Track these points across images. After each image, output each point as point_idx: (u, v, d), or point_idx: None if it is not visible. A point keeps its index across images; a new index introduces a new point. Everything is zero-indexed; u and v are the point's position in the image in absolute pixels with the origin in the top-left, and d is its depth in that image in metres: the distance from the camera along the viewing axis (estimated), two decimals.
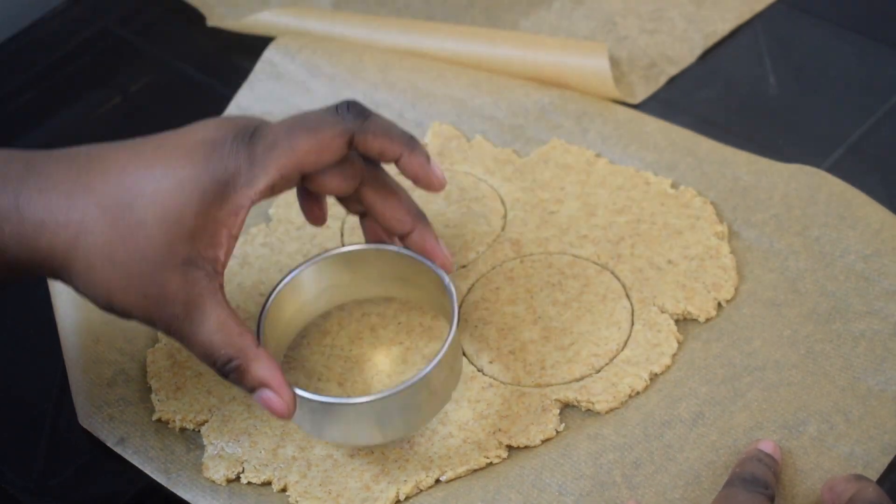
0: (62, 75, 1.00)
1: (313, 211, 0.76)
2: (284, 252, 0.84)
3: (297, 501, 0.72)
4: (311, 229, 0.85)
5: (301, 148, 0.69)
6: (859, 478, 0.68)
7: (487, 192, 0.86)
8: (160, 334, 0.80)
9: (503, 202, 0.85)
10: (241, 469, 0.74)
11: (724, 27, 0.96)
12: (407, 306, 0.80)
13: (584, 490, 0.71)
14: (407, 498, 0.72)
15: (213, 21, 1.00)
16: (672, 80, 0.93)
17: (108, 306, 0.68)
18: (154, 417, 0.77)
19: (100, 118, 0.97)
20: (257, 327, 0.73)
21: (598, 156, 0.87)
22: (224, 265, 0.68)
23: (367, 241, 0.77)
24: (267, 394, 0.68)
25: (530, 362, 0.77)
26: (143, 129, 0.95)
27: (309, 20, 0.97)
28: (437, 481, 0.73)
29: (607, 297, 0.79)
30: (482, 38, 0.93)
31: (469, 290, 0.81)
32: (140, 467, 0.75)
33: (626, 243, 0.82)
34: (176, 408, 0.77)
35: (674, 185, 0.85)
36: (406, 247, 0.75)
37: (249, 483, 0.74)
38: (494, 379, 0.77)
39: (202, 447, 0.76)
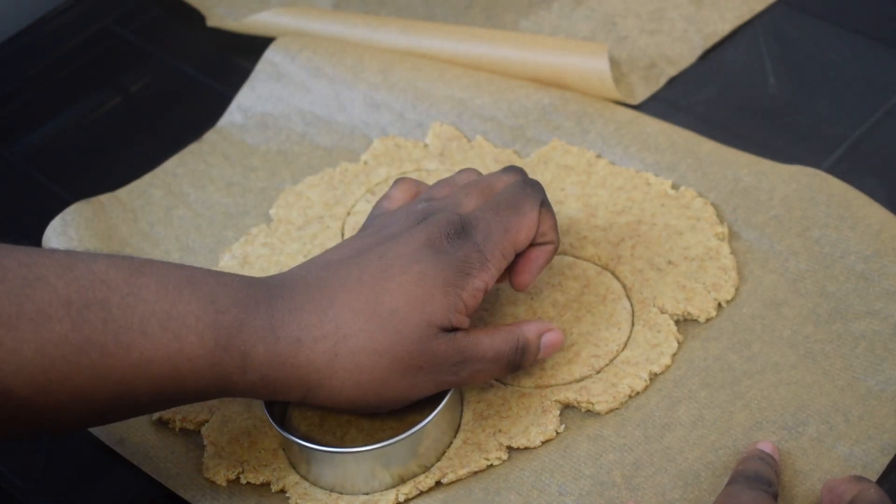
0: (62, 75, 1.00)
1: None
2: (285, 252, 0.84)
3: (296, 502, 0.72)
4: (311, 229, 0.85)
5: (521, 233, 0.73)
6: (860, 479, 0.67)
7: None
8: None
9: None
10: (240, 469, 0.74)
11: (724, 27, 0.96)
12: None
13: (584, 490, 0.71)
14: (407, 499, 0.72)
15: (213, 21, 1.00)
16: (672, 81, 0.93)
17: (378, 401, 0.70)
18: (154, 417, 0.77)
19: (100, 118, 0.97)
20: None
21: (598, 157, 0.87)
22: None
23: None
24: (550, 335, 0.74)
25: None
26: (143, 129, 0.96)
27: (309, 20, 0.97)
28: (438, 483, 0.73)
29: (607, 298, 0.79)
30: (482, 39, 0.93)
31: None
32: (140, 467, 0.75)
33: (626, 244, 0.82)
34: (176, 408, 0.77)
35: (674, 186, 0.85)
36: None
37: (249, 483, 0.74)
38: (494, 379, 0.77)
39: (202, 447, 0.76)
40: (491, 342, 0.72)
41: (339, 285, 0.70)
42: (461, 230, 0.72)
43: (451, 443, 0.74)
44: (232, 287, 0.69)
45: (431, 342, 0.69)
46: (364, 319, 0.69)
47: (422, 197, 0.76)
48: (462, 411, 0.76)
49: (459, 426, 0.75)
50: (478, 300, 0.71)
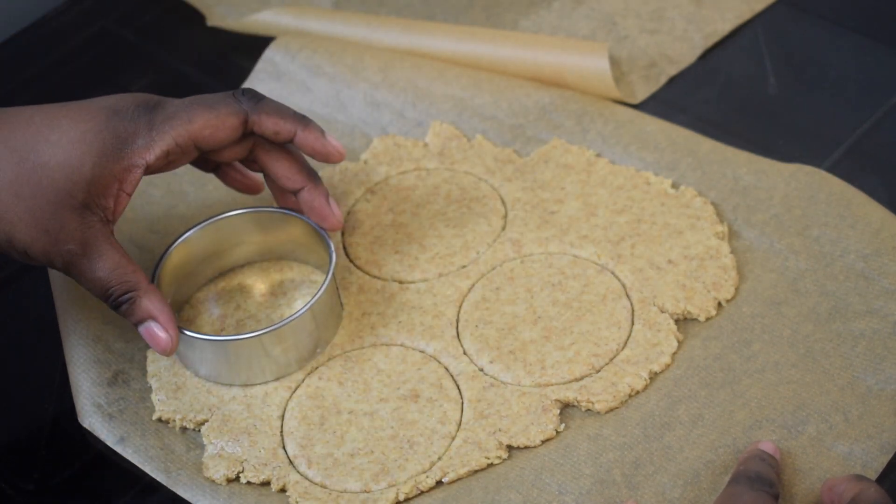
0: (62, 75, 1.00)
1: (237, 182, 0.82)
2: None
3: (296, 501, 0.72)
4: None
5: (197, 122, 0.75)
6: (860, 478, 0.67)
7: (488, 191, 0.86)
8: None
9: (504, 202, 0.85)
10: (240, 468, 0.74)
11: (724, 27, 0.96)
12: (407, 305, 0.80)
13: (584, 489, 0.71)
14: (407, 498, 0.72)
15: (213, 21, 1.00)
16: (672, 80, 0.93)
17: (10, 243, 0.73)
18: (154, 417, 0.77)
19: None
20: (153, 274, 0.78)
21: (598, 156, 0.87)
22: (115, 218, 0.74)
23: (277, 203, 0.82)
24: (153, 327, 0.74)
25: (530, 362, 0.77)
26: None
27: (309, 20, 0.97)
28: (439, 483, 0.73)
29: (607, 297, 0.79)
30: (482, 38, 0.93)
31: (469, 289, 0.81)
32: (140, 466, 0.75)
33: (626, 243, 0.82)
34: (176, 407, 0.77)
35: (674, 185, 0.85)
36: (298, 204, 0.80)
37: (249, 483, 0.74)
38: (495, 379, 0.77)
39: (202, 447, 0.76)
40: (113, 266, 0.73)
41: (9, 120, 0.73)
42: (154, 106, 0.74)
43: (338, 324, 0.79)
44: None
45: (66, 212, 0.72)
46: (15, 161, 0.72)
47: None
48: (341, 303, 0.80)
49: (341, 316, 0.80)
50: (135, 177, 0.73)
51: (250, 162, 0.80)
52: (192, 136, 0.74)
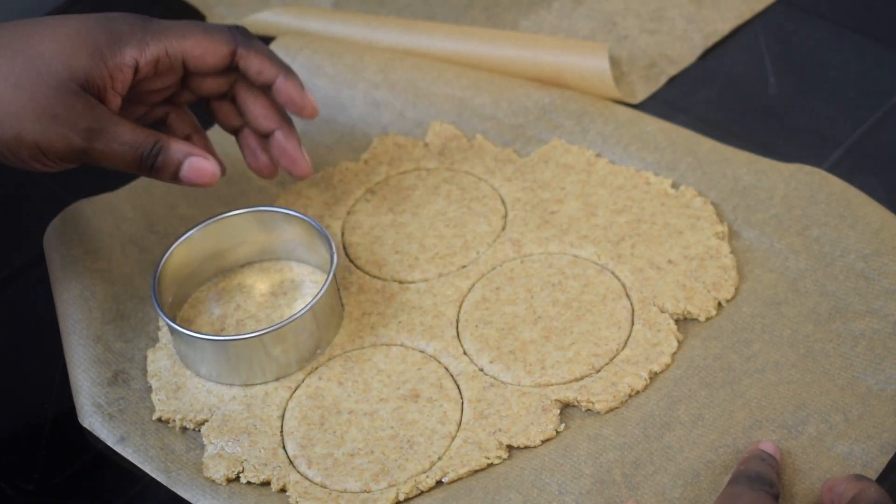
0: None
1: (258, 159, 0.83)
2: None
3: (296, 501, 0.72)
4: None
5: (190, 39, 0.76)
6: (860, 478, 0.67)
7: (488, 191, 0.86)
8: (160, 334, 0.80)
9: (504, 202, 0.85)
10: (240, 468, 0.74)
11: (724, 27, 0.96)
12: (407, 305, 0.80)
13: (584, 489, 0.71)
14: (407, 498, 0.72)
15: (212, 21, 1.00)
16: (672, 80, 0.93)
17: (19, 141, 0.73)
18: (154, 417, 0.77)
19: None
20: (153, 274, 0.79)
21: (598, 156, 0.87)
22: (114, 101, 0.75)
23: (244, 156, 0.83)
24: (196, 160, 0.76)
25: (531, 362, 0.77)
26: None
27: (309, 20, 0.97)
28: (439, 483, 0.73)
29: (607, 297, 0.79)
30: (482, 38, 0.93)
31: (470, 289, 0.81)
32: (140, 466, 0.75)
33: (626, 243, 0.82)
34: (176, 407, 0.77)
35: (674, 185, 0.85)
36: (270, 146, 0.81)
37: (249, 483, 0.74)
38: (495, 379, 0.77)
39: (202, 446, 0.76)
40: (132, 129, 0.74)
41: (4, 23, 0.74)
42: (149, 18, 0.76)
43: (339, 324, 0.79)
44: None
45: (70, 95, 0.72)
46: (10, 55, 0.73)
47: None
48: (342, 305, 0.81)
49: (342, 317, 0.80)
50: (126, 77, 0.74)
51: (229, 114, 0.81)
52: (183, 50, 0.76)
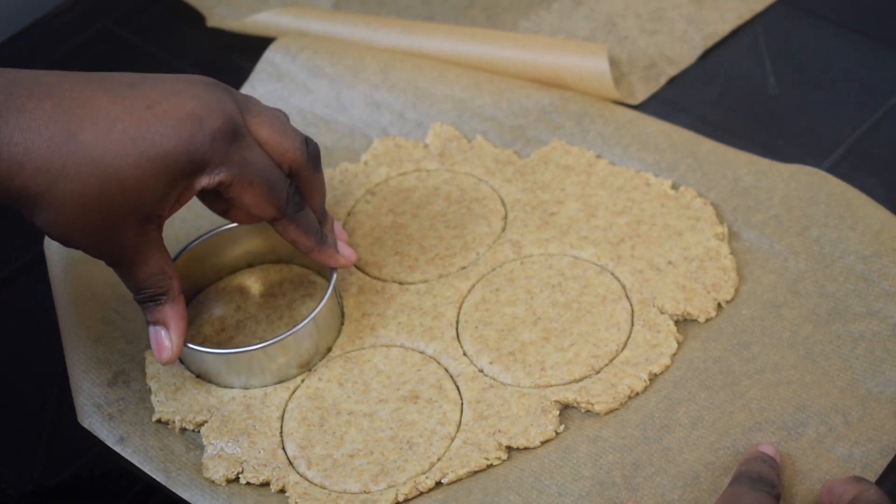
0: None
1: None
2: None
3: (296, 502, 0.73)
4: None
5: (249, 194, 0.73)
6: (859, 480, 0.67)
7: (488, 193, 0.86)
8: None
9: (504, 203, 0.85)
10: (240, 469, 0.74)
11: (724, 27, 0.96)
12: (407, 306, 0.80)
13: (584, 491, 0.71)
14: (406, 499, 0.72)
15: (213, 21, 1.00)
16: (672, 80, 0.93)
17: (63, 242, 0.72)
18: (154, 418, 0.77)
19: None
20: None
21: (598, 157, 0.87)
22: (166, 220, 0.74)
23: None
24: (162, 334, 0.75)
25: (530, 363, 0.77)
26: None
27: (309, 20, 0.97)
28: (438, 484, 0.73)
29: (607, 299, 0.79)
30: (482, 39, 0.93)
31: (469, 291, 0.81)
32: (140, 467, 0.75)
33: (626, 244, 0.82)
34: (175, 408, 0.77)
35: (674, 187, 0.85)
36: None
37: (248, 483, 0.74)
38: (494, 380, 0.77)
39: (201, 447, 0.76)
40: (150, 272, 0.73)
41: (91, 121, 0.70)
42: (234, 135, 0.72)
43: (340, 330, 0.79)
44: None
45: (127, 225, 0.71)
46: (89, 174, 0.69)
47: None
48: (342, 309, 0.80)
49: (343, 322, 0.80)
50: (192, 195, 0.73)
51: (217, 201, 0.79)
52: (237, 198, 0.73)
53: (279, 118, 0.75)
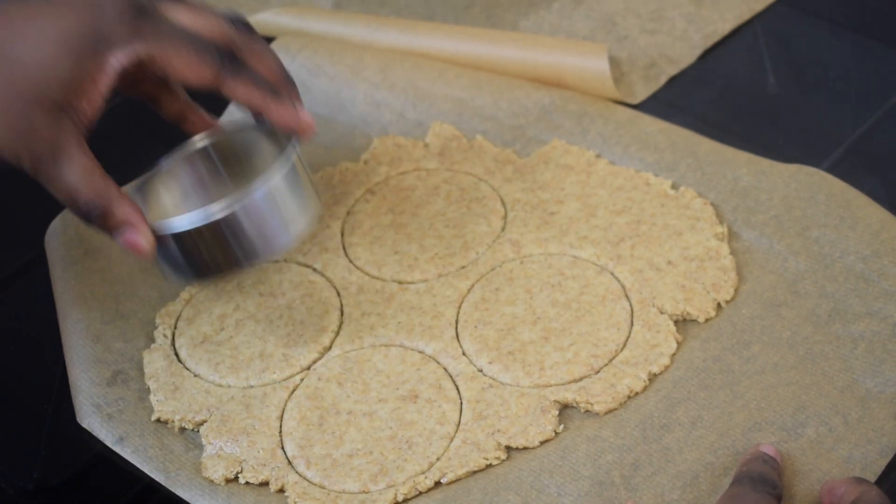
0: None
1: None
2: None
3: (295, 502, 0.73)
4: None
5: (176, 57, 0.72)
6: (859, 480, 0.67)
7: (488, 192, 0.86)
8: (156, 334, 0.80)
9: (503, 203, 0.85)
10: (239, 469, 0.74)
11: (724, 27, 0.96)
12: (406, 306, 0.80)
13: (583, 491, 0.71)
14: (405, 499, 0.72)
15: None
16: (672, 80, 0.93)
17: None
18: (153, 418, 0.77)
19: (99, 118, 0.97)
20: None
21: (598, 156, 0.87)
22: (90, 122, 0.72)
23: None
24: (130, 233, 0.71)
25: (529, 363, 0.77)
26: (143, 130, 0.96)
27: (309, 20, 0.97)
28: (438, 483, 0.73)
29: (607, 298, 0.79)
30: (482, 39, 0.93)
31: (469, 290, 0.81)
32: (139, 466, 0.75)
33: (626, 244, 0.82)
34: (175, 408, 0.77)
35: (674, 186, 0.85)
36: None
37: (247, 483, 0.74)
38: (494, 379, 0.77)
39: (201, 447, 0.76)
40: (83, 172, 0.71)
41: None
42: (141, 11, 0.72)
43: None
44: None
45: (37, 111, 0.70)
46: None
47: None
48: (311, 178, 0.76)
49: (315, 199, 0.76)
50: (109, 80, 0.71)
51: (172, 101, 0.79)
52: (166, 69, 0.72)
53: (185, 39, 0.73)
